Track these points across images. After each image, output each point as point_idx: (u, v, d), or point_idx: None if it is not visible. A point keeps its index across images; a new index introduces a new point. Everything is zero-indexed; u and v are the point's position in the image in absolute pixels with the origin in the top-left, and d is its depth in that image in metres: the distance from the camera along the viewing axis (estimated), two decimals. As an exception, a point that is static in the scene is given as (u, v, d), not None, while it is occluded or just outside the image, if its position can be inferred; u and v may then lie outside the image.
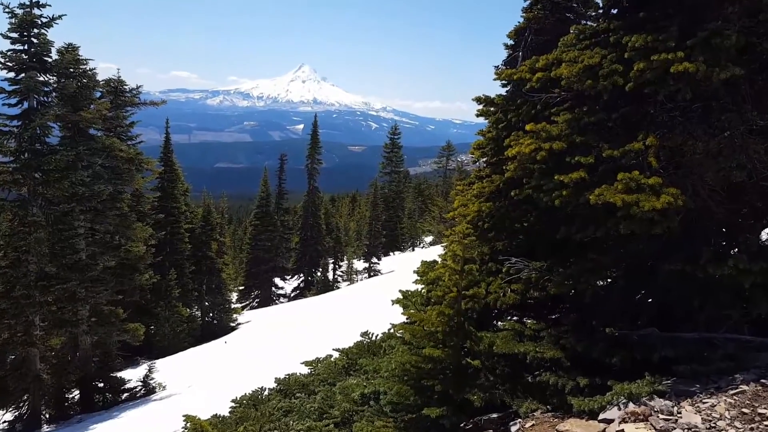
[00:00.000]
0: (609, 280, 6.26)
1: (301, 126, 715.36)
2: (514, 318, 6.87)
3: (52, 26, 17.07)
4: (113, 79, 21.39)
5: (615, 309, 5.93)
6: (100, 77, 19.48)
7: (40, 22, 16.74)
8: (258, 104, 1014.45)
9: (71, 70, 18.12)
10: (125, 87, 21.56)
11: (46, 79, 17.56)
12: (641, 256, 5.94)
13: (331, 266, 44.40)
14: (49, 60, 17.48)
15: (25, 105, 17.32)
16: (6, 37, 16.44)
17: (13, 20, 16.20)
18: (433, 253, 23.78)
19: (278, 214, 43.89)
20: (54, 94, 17.83)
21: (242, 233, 63.08)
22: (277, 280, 44.77)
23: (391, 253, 53.27)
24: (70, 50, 18.22)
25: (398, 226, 53.50)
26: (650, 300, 6.18)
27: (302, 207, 46.72)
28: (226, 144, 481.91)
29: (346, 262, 45.05)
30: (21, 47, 16.81)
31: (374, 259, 44.51)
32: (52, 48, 17.38)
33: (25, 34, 16.62)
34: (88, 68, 18.61)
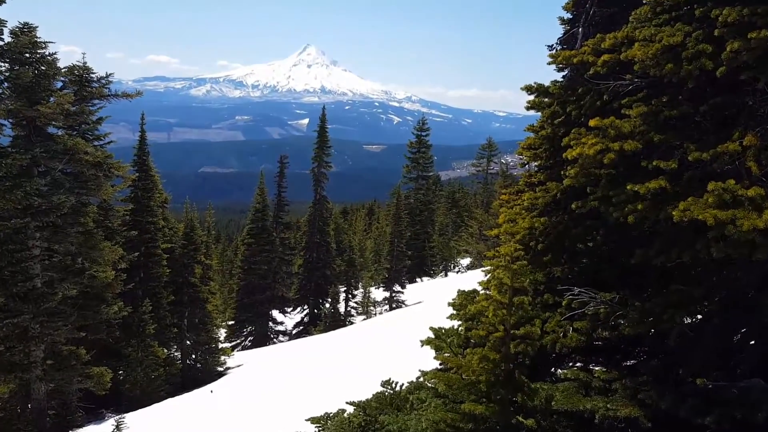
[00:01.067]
0: (699, 318, 6.17)
1: (306, 121, 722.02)
2: (578, 365, 6.82)
3: (4, 2, 17.55)
4: (78, 65, 21.67)
5: (708, 354, 5.84)
6: (61, 63, 19.80)
7: (-11, -2, 17.12)
8: (253, 94, 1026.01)
9: (27, 55, 18.48)
10: (92, 75, 21.83)
11: (-3, 66, 17.90)
12: (740, 287, 5.85)
13: (342, 296, 44.38)
14: (1, 43, 17.89)
15: (-30, 98, 17.70)
16: (-51, 16, 16.83)
17: (-43, -5, 16.60)
18: (472, 280, 23.60)
19: (277, 231, 44.14)
20: (6, 84, 18.20)
21: (232, 254, 63.53)
22: (276, 314, 44.93)
23: (418, 280, 53.10)
24: (26, 31, 18.55)
25: (427, 246, 53.43)
26: (752, 342, 6.07)
27: (307, 221, 46.97)
28: (213, 144, 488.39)
29: (361, 290, 44.95)
30: (-34, 28, 17.21)
31: (397, 287, 44.43)
32: (4, 29, 17.78)
33: (-29, 12, 17.02)
34: (47, 53, 18.93)
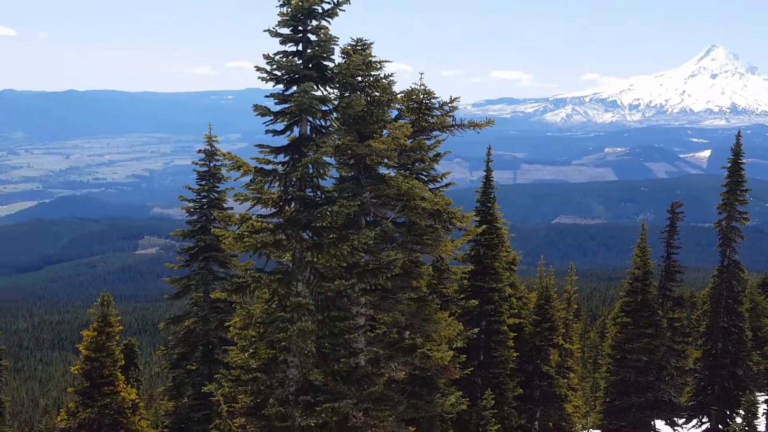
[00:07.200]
0: None
1: (707, 153, 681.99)
2: None
3: (336, 15, 18.59)
4: (416, 89, 22.35)
5: None
6: (396, 87, 20.60)
7: (320, 10, 18.30)
8: (630, 118, 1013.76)
9: (359, 78, 19.53)
10: (433, 101, 22.38)
11: (325, 93, 19.09)
12: None
13: (763, 408, 40.08)
14: (331, 65, 19.02)
15: (295, 131, 19.09)
16: (275, 34, 18.28)
17: (285, 9, 17.96)
18: None
19: (664, 308, 41.72)
20: (334, 114, 19.26)
21: (597, 337, 61.39)
22: (661, 425, 42.39)
23: None
24: (359, 49, 19.68)
25: None
26: None
27: (708, 296, 43.27)
28: (573, 185, 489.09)
29: (794, 402, 40.36)
30: (294, 48, 18.61)
31: None
32: (334, 47, 18.85)
33: (300, 28, 18.35)
34: (382, 75, 19.83)
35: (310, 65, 18.76)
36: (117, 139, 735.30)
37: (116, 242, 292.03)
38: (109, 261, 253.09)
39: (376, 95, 19.81)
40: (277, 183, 18.93)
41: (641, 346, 39.90)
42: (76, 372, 26.23)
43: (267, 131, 19.04)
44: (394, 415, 20.03)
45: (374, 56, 19.87)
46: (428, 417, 21.63)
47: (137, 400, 27.45)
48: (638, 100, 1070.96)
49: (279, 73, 18.49)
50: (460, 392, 22.46)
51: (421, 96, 22.15)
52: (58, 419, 26.82)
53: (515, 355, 30.01)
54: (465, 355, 23.09)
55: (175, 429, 30.71)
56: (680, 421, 43.20)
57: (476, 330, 25.78)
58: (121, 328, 26.32)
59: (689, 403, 42.52)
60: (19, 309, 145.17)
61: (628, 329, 40.53)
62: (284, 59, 18.42)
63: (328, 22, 18.61)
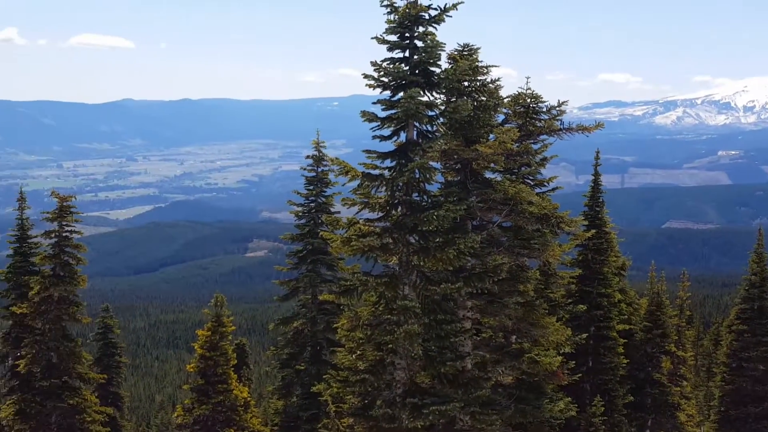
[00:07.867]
0: None
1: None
2: None
3: (443, 21, 18.63)
4: (523, 93, 22.16)
5: None
6: (502, 91, 20.49)
7: (427, 16, 18.40)
8: (745, 120, 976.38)
9: (465, 83, 19.45)
10: (540, 105, 22.19)
11: (432, 98, 19.18)
12: None
13: None
14: (437, 71, 19.07)
15: (402, 137, 19.17)
16: (382, 41, 18.54)
17: (392, 17, 18.20)
18: None
19: (783, 315, 39.93)
20: (441, 119, 19.31)
21: (711, 345, 59.15)
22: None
23: None
24: (465, 54, 19.60)
25: None
26: None
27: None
28: (683, 189, 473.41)
29: None
30: (400, 54, 18.76)
31: None
32: (441, 53, 18.93)
33: (407, 35, 18.51)
34: (488, 79, 19.73)
35: (417, 71, 18.87)
36: (228, 146, 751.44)
37: (227, 245, 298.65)
38: (220, 263, 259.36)
39: (482, 100, 19.65)
40: (384, 187, 19.04)
41: (758, 354, 38.21)
42: (191, 370, 27.05)
43: (374, 137, 19.25)
44: (502, 420, 19.88)
45: (481, 61, 19.77)
46: (536, 422, 21.24)
47: (249, 399, 28.09)
48: (753, 101, 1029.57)
49: (386, 80, 18.71)
50: (569, 398, 22.11)
51: (528, 100, 21.92)
52: (174, 415, 27.68)
53: (625, 361, 29.39)
54: (573, 361, 22.66)
55: (284, 427, 31.27)
56: (800, 433, 41.39)
57: (585, 335, 25.44)
58: (234, 328, 27.08)
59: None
60: (136, 309, 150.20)
61: (745, 337, 38.87)
62: (391, 66, 18.64)
63: (435, 28, 18.69)
